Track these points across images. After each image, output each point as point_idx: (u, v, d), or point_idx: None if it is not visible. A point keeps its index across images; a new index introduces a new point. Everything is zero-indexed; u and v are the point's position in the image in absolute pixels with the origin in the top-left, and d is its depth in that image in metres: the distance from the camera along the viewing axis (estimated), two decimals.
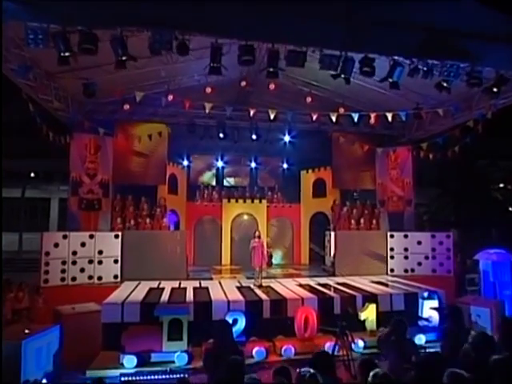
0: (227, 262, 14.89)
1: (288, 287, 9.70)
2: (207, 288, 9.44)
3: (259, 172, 18.34)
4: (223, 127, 13.11)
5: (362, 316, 7.94)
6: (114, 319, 7.42)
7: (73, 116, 11.92)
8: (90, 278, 10.06)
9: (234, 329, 6.92)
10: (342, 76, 7.57)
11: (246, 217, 15.37)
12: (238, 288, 9.53)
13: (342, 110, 13.58)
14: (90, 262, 10.13)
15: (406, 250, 12.17)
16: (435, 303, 8.31)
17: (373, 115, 10.95)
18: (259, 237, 10.15)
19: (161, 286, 9.77)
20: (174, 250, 10.86)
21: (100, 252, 10.24)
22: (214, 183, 17.57)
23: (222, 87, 13.07)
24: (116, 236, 10.52)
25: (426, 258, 12.08)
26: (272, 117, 10.81)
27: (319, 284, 10.25)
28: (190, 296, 8.44)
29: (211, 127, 13.56)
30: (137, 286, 9.59)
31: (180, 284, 10.02)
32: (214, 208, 15.23)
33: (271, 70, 7.43)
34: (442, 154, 12.82)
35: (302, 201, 15.84)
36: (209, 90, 12.11)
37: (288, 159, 17.86)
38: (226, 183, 18.05)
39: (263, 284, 9.82)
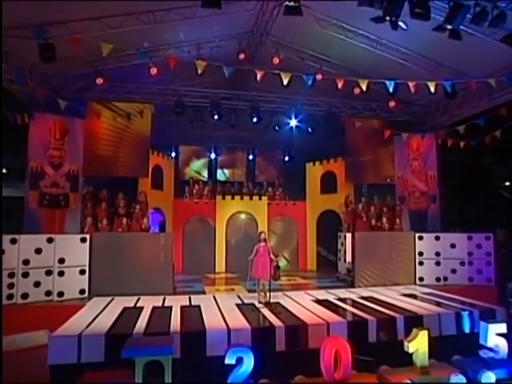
0: (221, 270, 12.76)
1: (302, 305, 7.59)
2: (199, 307, 7.27)
3: (257, 165, 16.26)
4: (218, 108, 10.95)
5: (410, 348, 5.84)
6: (66, 359, 5.22)
7: (33, 92, 9.64)
8: (48, 294, 7.80)
9: (239, 371, 4.82)
10: (388, 19, 5.48)
11: (243, 216, 13.25)
12: (239, 306, 7.39)
13: (356, 91, 11.63)
14: (48, 273, 7.86)
15: (437, 254, 10.16)
16: (503, 328, 6.27)
17: (411, 84, 8.85)
18: (265, 240, 8.00)
19: (139, 304, 7.58)
20: (157, 256, 8.67)
21: (61, 260, 7.98)
22: (205, 177, 15.41)
23: (217, 61, 10.96)
24: (83, 239, 8.28)
25: (462, 263, 10.11)
26: (286, 82, 8.63)
27: (340, 299, 8.19)
28: (176, 321, 6.25)
29: (203, 109, 11.40)
30: (107, 305, 7.38)
31: (164, 301, 7.83)
32: (205, 206, 13.06)
33: (291, 3, 5.28)
34: (477, 141, 10.85)
35: (307, 198, 13.75)
36: (202, 63, 10.05)
37: (290, 150, 15.82)
38: (219, 176, 15.92)
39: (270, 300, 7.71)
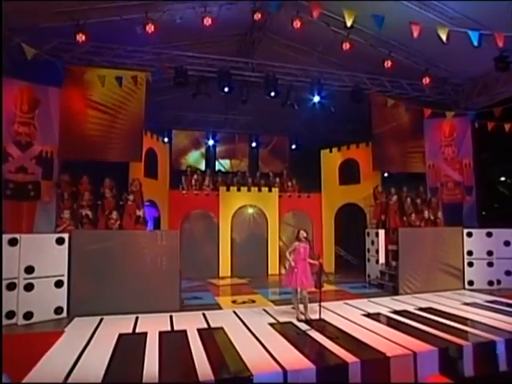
0: (227, 274, 10.84)
1: (355, 322, 5.82)
2: (222, 330, 5.37)
3: (261, 153, 14.39)
4: (228, 79, 8.98)
5: None
6: None
7: None
8: (10, 316, 5.65)
9: None
10: None
11: (250, 210, 11.35)
12: (276, 328, 5.52)
13: (388, 64, 9.97)
14: (11, 287, 5.72)
15: (489, 253, 8.62)
16: None
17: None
18: (306, 239, 6.15)
19: (139, 327, 5.59)
20: (160, 261, 6.67)
21: (29, 269, 5.84)
22: (202, 167, 13.42)
23: (227, 23, 9.04)
24: (59, 240, 6.18)
25: None
26: (349, 23, 6.62)
27: (395, 312, 6.48)
28: (200, 358, 4.33)
29: (209, 80, 9.40)
30: (95, 331, 5.36)
31: (172, 322, 5.88)
32: (207, 199, 11.08)
33: None
34: None
35: (323, 189, 11.99)
36: (208, 21, 8.22)
37: (298, 135, 14.04)
38: (218, 166, 13.96)
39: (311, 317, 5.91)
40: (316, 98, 9.94)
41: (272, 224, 11.37)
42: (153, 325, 5.66)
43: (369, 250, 9.80)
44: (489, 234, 8.69)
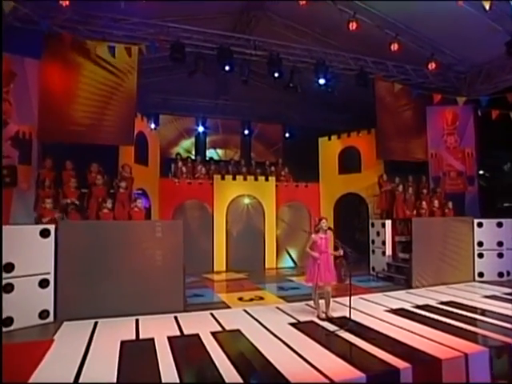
0: (222, 268, 10.17)
1: (383, 319, 5.31)
2: (239, 333, 4.71)
3: (254, 141, 13.70)
4: (229, 56, 8.19)
5: None
6: None
7: None
8: None
9: None
10: None
11: (246, 200, 10.67)
12: (299, 328, 4.91)
13: (394, 47, 9.49)
14: None
15: (500, 244, 8.35)
16: None
17: None
18: (330, 229, 5.55)
19: (142, 332, 4.84)
20: (159, 255, 5.89)
21: (8, 267, 4.93)
22: (192, 155, 12.59)
23: None
24: (44, 233, 5.30)
25: None
26: None
27: (419, 307, 6.03)
28: (224, 365, 3.65)
29: (208, 57, 8.57)
30: (91, 338, 4.57)
31: (179, 324, 5.15)
32: (201, 188, 10.31)
33: None
34: None
35: (321, 179, 11.46)
36: None
37: (292, 123, 13.45)
38: (209, 154, 13.19)
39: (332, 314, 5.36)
40: (321, 80, 9.28)
41: (269, 215, 10.74)
42: (158, 328, 4.93)
43: (373, 242, 9.36)
44: (499, 225, 8.42)
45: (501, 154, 10.65)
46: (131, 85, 7.60)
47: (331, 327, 4.94)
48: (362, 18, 8.98)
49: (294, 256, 11.10)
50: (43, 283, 5.23)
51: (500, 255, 8.36)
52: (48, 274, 5.29)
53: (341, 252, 5.41)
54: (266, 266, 10.59)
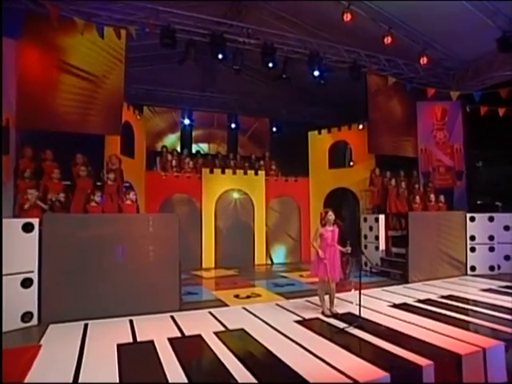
0: (211, 265, 9.84)
1: (390, 315, 5.15)
2: (244, 332, 4.42)
3: (241, 135, 13.38)
4: (222, 44, 7.82)
5: None
6: None
7: None
8: None
9: None
10: None
11: (236, 195, 10.35)
12: (306, 326, 4.67)
13: (388, 40, 9.42)
14: None
15: (491, 238, 8.42)
16: None
17: None
18: (336, 223, 5.32)
19: (138, 334, 4.45)
20: (154, 251, 5.50)
21: None
22: (178, 149, 12.13)
23: None
24: (27, 227, 4.81)
25: None
26: None
27: (421, 301, 5.93)
28: (240, 372, 3.36)
29: (198, 44, 8.17)
30: (83, 342, 4.16)
31: (178, 325, 4.80)
32: (189, 181, 9.91)
33: None
34: None
35: (311, 173, 11.28)
36: None
37: (280, 118, 13.22)
38: (196, 149, 12.77)
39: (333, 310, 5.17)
40: (316, 73, 9.04)
41: (259, 210, 10.47)
42: (155, 330, 4.57)
43: (366, 237, 9.26)
44: (491, 219, 8.48)
45: (476, 151, 10.76)
46: (120, 71, 7.11)
47: (339, 324, 4.73)
48: (355, 9, 8.83)
49: (282, 253, 10.89)
50: (26, 283, 4.75)
51: (491, 249, 8.43)
52: (31, 272, 4.81)
53: (348, 249, 5.20)
54: (256, 263, 10.33)
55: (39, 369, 3.45)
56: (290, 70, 9.40)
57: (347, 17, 8.69)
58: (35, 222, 4.89)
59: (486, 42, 9.27)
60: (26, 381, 3.21)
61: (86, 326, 4.72)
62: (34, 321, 4.80)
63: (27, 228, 4.81)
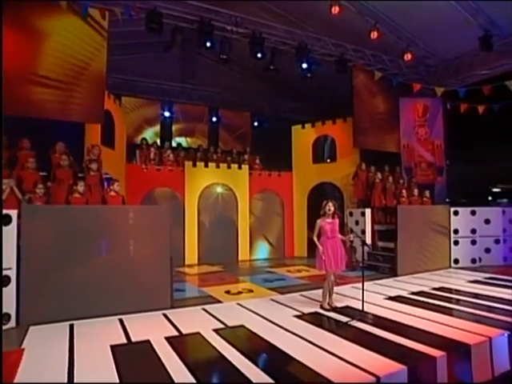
0: (194, 261, 9.54)
1: (389, 307, 5.09)
2: (245, 328, 4.21)
3: (222, 129, 13.09)
4: (210, 32, 7.51)
5: None
6: None
7: None
8: None
9: None
10: None
11: (219, 189, 10.08)
12: (307, 320, 4.52)
13: (374, 35, 9.47)
14: None
15: (473, 231, 8.62)
16: None
17: None
18: (336, 214, 5.18)
19: (131, 334, 4.13)
20: (142, 246, 5.16)
21: None
22: (158, 143, 11.69)
23: None
24: (4, 219, 4.35)
25: (497, 241, 8.75)
26: None
27: (415, 293, 5.95)
28: (251, 371, 3.14)
29: (186, 31, 7.81)
30: (72, 345, 3.79)
31: (173, 323, 4.51)
32: (171, 175, 9.53)
33: None
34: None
35: (294, 168, 11.17)
36: None
37: (261, 112, 13.05)
38: (177, 142, 12.36)
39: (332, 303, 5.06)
40: (304, 65, 8.91)
41: (242, 205, 10.24)
42: (149, 329, 4.26)
43: (352, 231, 9.22)
44: (473, 213, 8.69)
45: (454, 149, 11.06)
46: (102, 57, 6.64)
47: (340, 318, 4.61)
48: (342, 2, 8.77)
49: (270, 242, 10.75)
50: (3, 281, 4.30)
51: (473, 242, 8.64)
52: (9, 269, 4.36)
53: (351, 237, 5.09)
54: (240, 258, 10.10)
55: (26, 374, 3.09)
56: (276, 63, 9.22)
57: (335, 9, 8.63)
58: (13, 214, 4.44)
59: (467, 41, 9.50)
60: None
61: (71, 326, 4.33)
62: (12, 323, 4.35)
63: (4, 221, 4.35)
